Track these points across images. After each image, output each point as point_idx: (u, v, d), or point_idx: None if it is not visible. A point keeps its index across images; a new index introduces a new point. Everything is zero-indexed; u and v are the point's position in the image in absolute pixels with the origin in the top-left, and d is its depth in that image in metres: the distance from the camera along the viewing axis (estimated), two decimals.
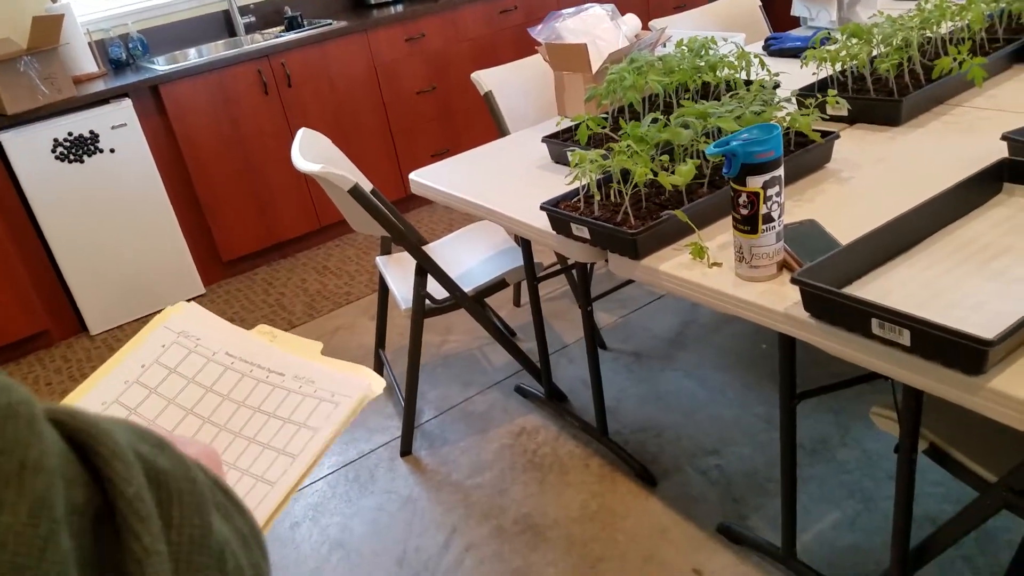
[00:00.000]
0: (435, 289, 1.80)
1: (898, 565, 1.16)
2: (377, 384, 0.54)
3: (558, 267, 2.14)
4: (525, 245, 1.79)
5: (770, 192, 0.99)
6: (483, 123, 3.57)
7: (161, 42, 3.25)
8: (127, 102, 2.72)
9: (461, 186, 1.61)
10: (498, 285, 1.85)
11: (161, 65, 2.97)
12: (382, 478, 1.85)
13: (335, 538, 1.70)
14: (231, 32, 3.39)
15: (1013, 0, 1.67)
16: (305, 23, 3.34)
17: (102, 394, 0.54)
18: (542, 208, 1.32)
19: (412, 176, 1.74)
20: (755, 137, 0.97)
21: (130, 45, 3.13)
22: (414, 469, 1.86)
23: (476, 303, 1.83)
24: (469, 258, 2.00)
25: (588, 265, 1.82)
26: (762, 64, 1.64)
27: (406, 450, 1.92)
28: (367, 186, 1.95)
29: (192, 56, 3.22)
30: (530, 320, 2.40)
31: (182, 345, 0.56)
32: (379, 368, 2.26)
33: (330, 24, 3.18)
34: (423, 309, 1.79)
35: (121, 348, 0.57)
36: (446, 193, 1.62)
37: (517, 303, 2.53)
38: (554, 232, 1.33)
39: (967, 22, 1.59)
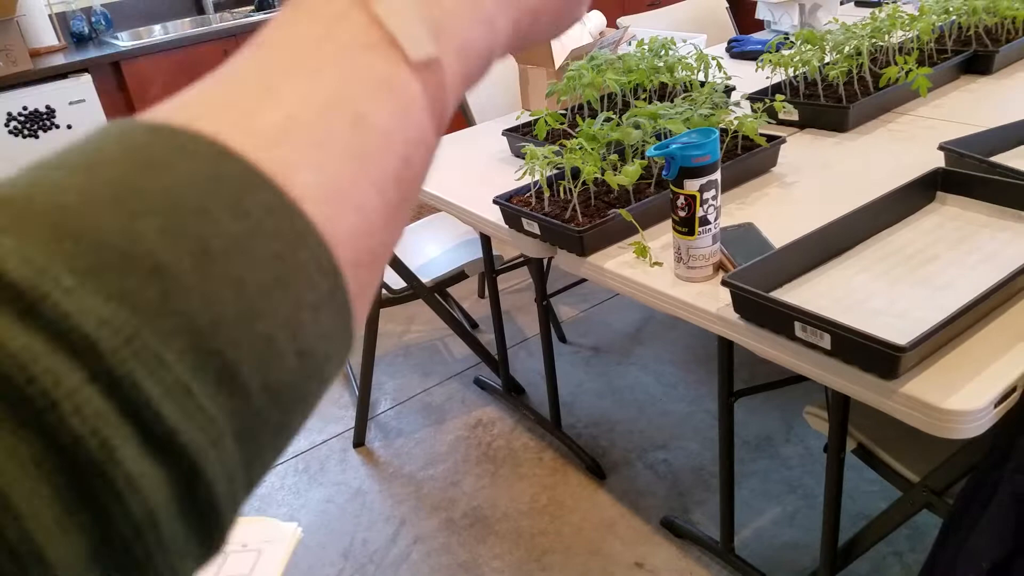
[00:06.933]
0: (394, 278, 1.80)
1: (827, 561, 1.20)
2: (290, 529, 0.46)
3: (518, 260, 2.16)
4: (485, 237, 1.80)
5: (707, 195, 1.01)
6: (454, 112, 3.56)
7: (125, 17, 3.19)
8: (86, 77, 2.66)
9: None
10: (458, 276, 1.86)
11: (124, 41, 2.91)
12: (333, 470, 1.85)
13: None
14: (200, 10, 3.34)
15: (963, 13, 1.70)
16: (277, 3, 3.30)
17: None
18: (495, 202, 1.33)
19: None
20: (693, 141, 0.99)
21: (93, 19, 3.07)
22: (366, 461, 1.86)
23: (435, 294, 1.84)
24: (431, 248, 2.01)
25: (546, 260, 1.83)
26: (719, 67, 1.66)
27: (359, 441, 1.92)
28: None
29: (157, 33, 3.17)
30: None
31: None
32: None
33: None
34: (379, 299, 1.79)
35: None
36: None
37: (482, 295, 2.54)
38: (507, 226, 1.34)
39: (918, 32, 1.63)
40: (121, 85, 2.77)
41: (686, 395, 1.92)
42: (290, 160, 0.19)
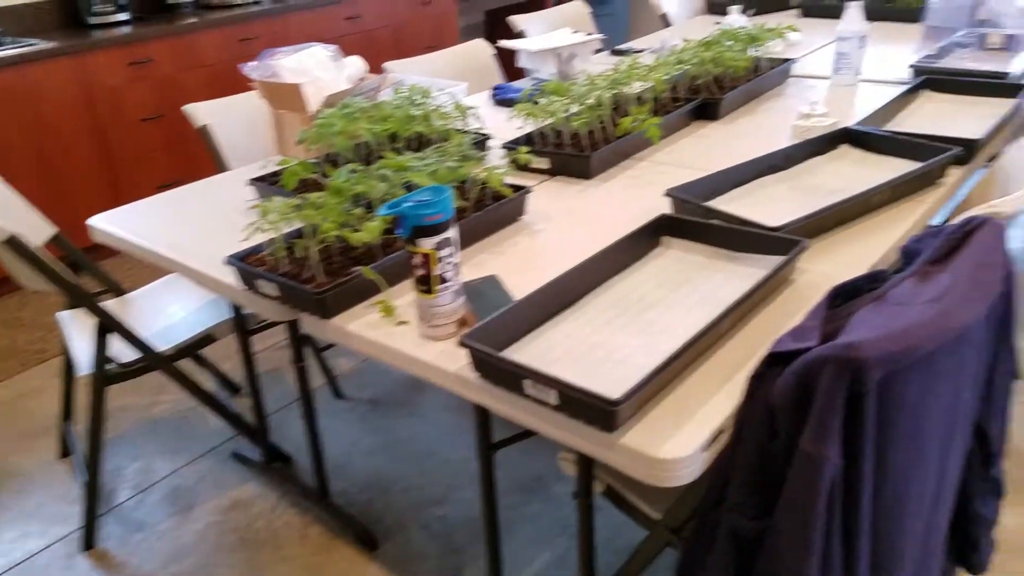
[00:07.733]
0: (126, 349, 1.57)
1: None
2: None
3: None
4: None
5: (443, 253, 0.97)
6: None
7: None
8: None
9: (149, 233, 1.42)
10: (204, 340, 1.67)
11: None
12: None
13: None
14: None
15: (693, 63, 1.88)
16: (9, 41, 2.87)
17: None
18: (227, 262, 1.20)
19: (90, 222, 1.51)
20: (425, 200, 0.95)
21: None
22: (97, 565, 1.58)
23: (176, 363, 1.63)
24: (173, 310, 1.79)
25: None
26: (476, 116, 1.67)
27: (89, 544, 1.63)
28: (44, 232, 1.68)
29: None
30: (262, 370, 2.21)
31: None
32: (64, 448, 1.91)
33: (34, 44, 2.77)
34: (104, 375, 1.54)
35: None
36: (128, 241, 1.43)
37: None
38: (244, 287, 1.22)
39: (653, 83, 1.77)
40: None
41: (464, 441, 1.88)
42: None
